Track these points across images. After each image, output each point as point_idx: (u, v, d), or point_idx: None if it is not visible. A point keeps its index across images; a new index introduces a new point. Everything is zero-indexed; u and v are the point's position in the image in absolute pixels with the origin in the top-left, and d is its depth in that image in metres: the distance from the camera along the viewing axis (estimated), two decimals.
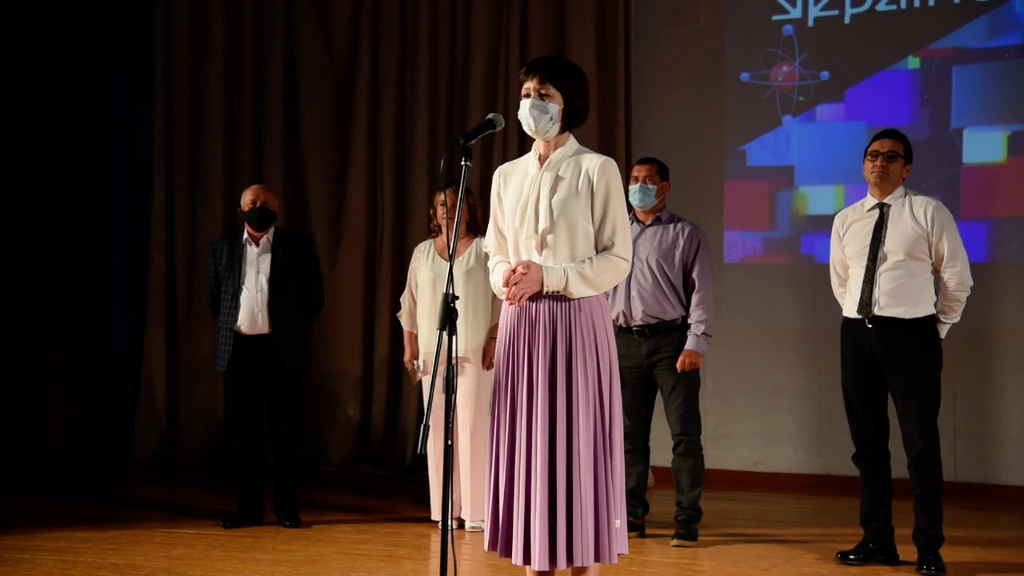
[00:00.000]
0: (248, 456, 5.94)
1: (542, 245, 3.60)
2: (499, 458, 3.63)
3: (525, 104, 3.63)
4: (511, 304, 3.61)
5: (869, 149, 5.17)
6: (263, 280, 5.89)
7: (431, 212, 6.10)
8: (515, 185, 3.71)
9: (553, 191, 3.61)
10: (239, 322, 5.86)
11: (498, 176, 3.79)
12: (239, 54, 8.39)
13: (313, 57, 8.28)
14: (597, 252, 3.62)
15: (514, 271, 3.57)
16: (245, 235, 5.97)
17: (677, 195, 6.32)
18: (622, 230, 3.63)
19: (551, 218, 3.58)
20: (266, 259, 5.92)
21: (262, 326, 5.87)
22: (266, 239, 5.96)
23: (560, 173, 3.63)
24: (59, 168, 7.95)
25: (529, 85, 3.63)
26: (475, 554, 5.33)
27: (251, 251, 5.94)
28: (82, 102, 8.10)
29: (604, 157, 3.65)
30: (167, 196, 8.38)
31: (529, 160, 3.73)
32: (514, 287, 3.55)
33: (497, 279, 3.68)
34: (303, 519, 5.97)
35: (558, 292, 3.56)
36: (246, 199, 5.96)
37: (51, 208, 7.93)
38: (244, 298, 5.87)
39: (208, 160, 8.36)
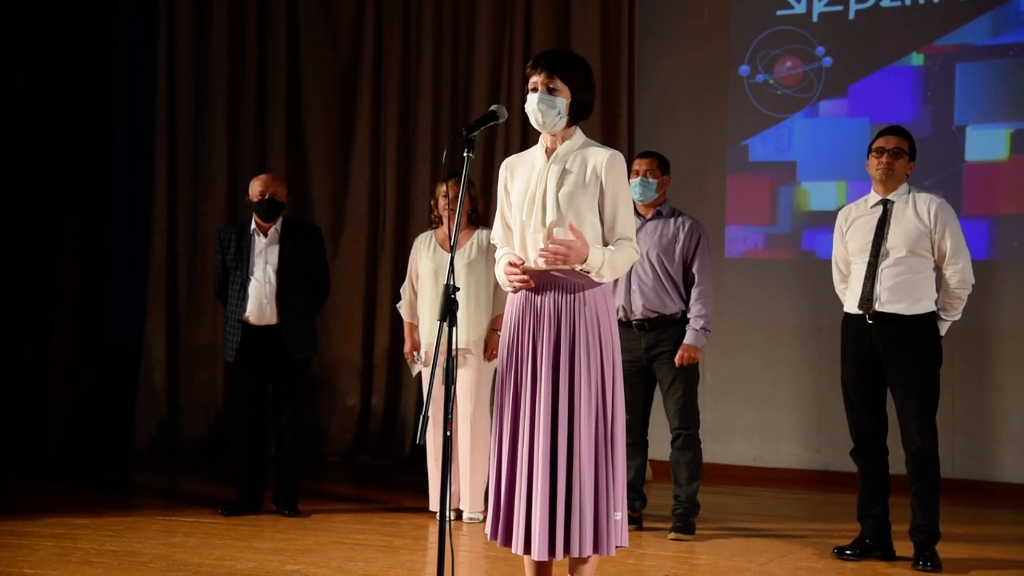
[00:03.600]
0: (252, 444, 5.95)
1: (549, 238, 3.60)
2: (502, 449, 3.64)
3: (532, 99, 3.62)
4: (516, 290, 3.61)
5: (874, 145, 5.16)
6: (271, 271, 5.89)
7: (432, 203, 6.10)
8: (522, 178, 3.71)
9: (560, 184, 3.61)
10: (247, 313, 5.86)
11: (505, 168, 3.79)
12: (242, 42, 8.39)
13: (316, 46, 8.28)
14: (605, 244, 3.63)
15: (522, 262, 3.57)
16: (253, 225, 5.97)
17: (678, 189, 6.33)
18: (631, 223, 3.67)
19: (558, 211, 3.59)
20: (274, 250, 5.92)
21: (270, 317, 5.87)
22: (274, 230, 5.96)
23: (567, 166, 3.64)
24: (62, 155, 7.95)
25: (536, 79, 3.63)
26: (473, 545, 5.35)
27: (259, 241, 5.94)
28: (85, 89, 8.09)
29: (611, 150, 3.66)
30: (169, 184, 8.38)
31: (536, 153, 3.73)
32: (557, 251, 3.50)
33: (502, 271, 3.69)
34: (301, 508, 5.98)
35: (587, 272, 3.56)
36: (254, 190, 5.95)
37: (53, 195, 7.93)
38: (252, 289, 5.87)
39: (211, 148, 8.37)
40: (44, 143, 7.89)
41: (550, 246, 3.53)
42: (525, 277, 3.60)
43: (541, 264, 3.59)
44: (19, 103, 7.77)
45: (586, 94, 3.66)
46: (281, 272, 5.90)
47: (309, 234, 6.09)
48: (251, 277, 5.89)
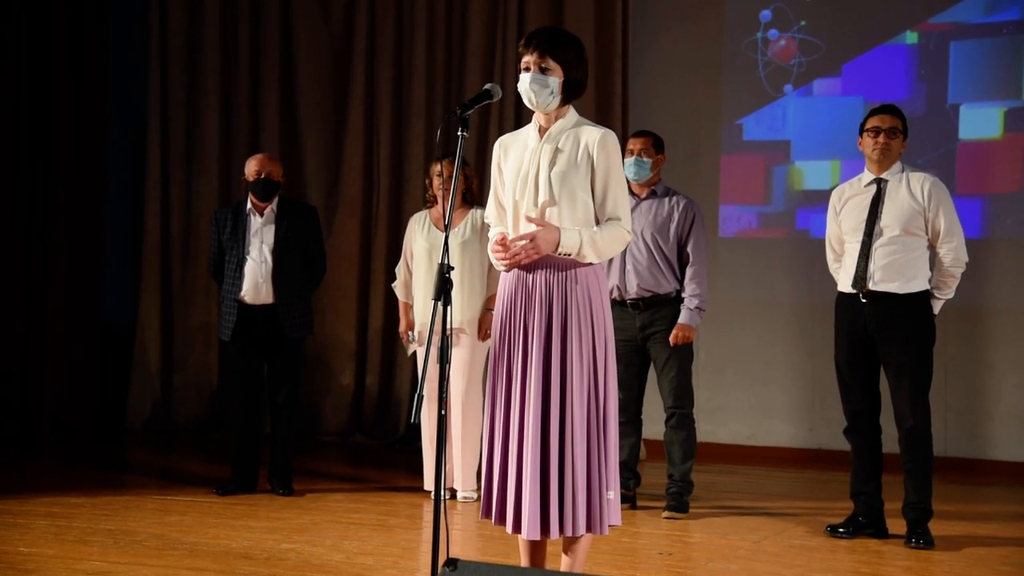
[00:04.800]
0: (247, 424, 5.95)
1: (542, 217, 3.59)
2: (495, 428, 3.64)
3: (525, 78, 3.61)
4: (511, 267, 3.59)
5: (868, 125, 5.16)
6: (267, 250, 5.89)
7: (427, 182, 6.09)
8: (515, 157, 3.69)
9: (553, 163, 3.60)
10: (243, 292, 5.86)
11: (498, 147, 3.78)
12: (235, 22, 8.35)
13: (309, 26, 8.24)
14: (598, 224, 3.62)
15: (504, 238, 3.56)
16: (249, 205, 5.96)
17: (672, 169, 6.32)
18: (624, 202, 3.63)
19: (551, 190, 3.58)
20: (270, 229, 5.92)
21: (266, 296, 5.87)
22: (270, 209, 5.96)
23: (560, 145, 3.62)
24: (53, 133, 7.91)
25: (528, 58, 3.61)
26: (467, 524, 5.37)
27: (255, 221, 5.93)
28: (78, 69, 8.05)
29: (604, 129, 3.64)
30: (162, 164, 8.36)
31: (529, 132, 3.72)
32: (529, 242, 3.49)
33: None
34: (296, 488, 5.99)
35: (568, 255, 3.55)
36: (251, 169, 5.94)
37: (45, 175, 7.89)
38: (248, 268, 5.87)
39: (203, 128, 8.34)
40: (35, 121, 7.86)
41: (511, 249, 3.51)
42: (520, 259, 3.56)
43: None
44: (10, 81, 7.73)
45: (579, 72, 3.64)
46: (277, 251, 5.89)
47: (305, 214, 6.09)
48: (247, 256, 5.88)
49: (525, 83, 3.60)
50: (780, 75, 7.49)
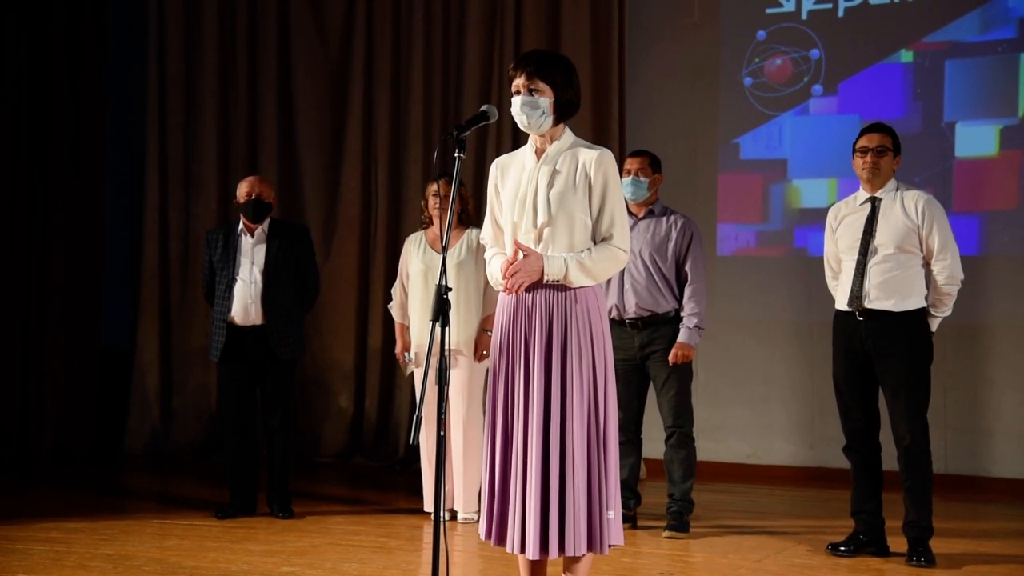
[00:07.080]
0: (241, 446, 5.94)
1: (540, 238, 3.61)
2: (495, 448, 3.64)
3: (516, 101, 3.64)
4: (508, 293, 3.62)
5: (857, 145, 5.17)
6: (257, 271, 5.89)
7: (423, 203, 6.10)
8: (513, 178, 3.71)
9: (551, 184, 3.62)
10: (232, 313, 5.86)
11: (495, 168, 3.80)
12: (233, 44, 8.39)
13: (307, 47, 8.28)
14: (595, 243, 3.63)
15: (512, 261, 3.57)
16: (240, 225, 5.97)
17: (670, 188, 6.33)
18: (620, 221, 3.64)
19: (549, 211, 3.59)
20: (261, 250, 5.93)
21: (255, 317, 5.87)
22: (261, 230, 5.97)
23: (557, 166, 3.64)
24: (52, 158, 7.94)
25: (518, 82, 3.64)
26: (467, 545, 5.35)
27: (246, 242, 5.94)
28: (76, 92, 8.09)
29: (601, 149, 3.67)
30: (161, 186, 8.38)
31: (526, 153, 3.74)
32: (513, 276, 3.55)
33: (494, 270, 3.69)
34: (296, 510, 5.97)
35: (557, 281, 3.57)
36: (241, 191, 5.96)
37: (44, 198, 7.92)
38: (238, 289, 5.87)
39: (202, 150, 8.36)
40: (34, 144, 7.89)
41: (507, 281, 3.55)
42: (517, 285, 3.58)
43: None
44: (9, 104, 7.75)
45: (569, 92, 3.66)
46: (267, 272, 5.90)
47: (296, 234, 6.09)
48: (237, 277, 5.89)
49: (516, 106, 3.64)
50: (776, 94, 7.52)
